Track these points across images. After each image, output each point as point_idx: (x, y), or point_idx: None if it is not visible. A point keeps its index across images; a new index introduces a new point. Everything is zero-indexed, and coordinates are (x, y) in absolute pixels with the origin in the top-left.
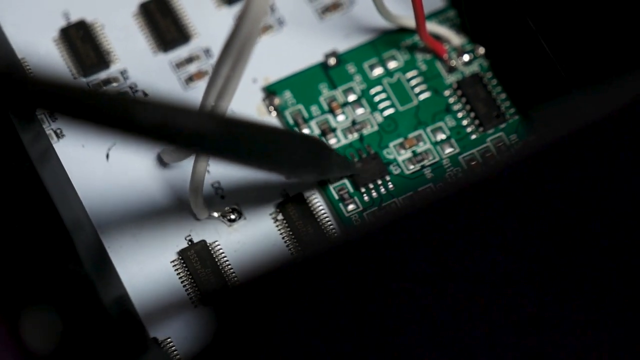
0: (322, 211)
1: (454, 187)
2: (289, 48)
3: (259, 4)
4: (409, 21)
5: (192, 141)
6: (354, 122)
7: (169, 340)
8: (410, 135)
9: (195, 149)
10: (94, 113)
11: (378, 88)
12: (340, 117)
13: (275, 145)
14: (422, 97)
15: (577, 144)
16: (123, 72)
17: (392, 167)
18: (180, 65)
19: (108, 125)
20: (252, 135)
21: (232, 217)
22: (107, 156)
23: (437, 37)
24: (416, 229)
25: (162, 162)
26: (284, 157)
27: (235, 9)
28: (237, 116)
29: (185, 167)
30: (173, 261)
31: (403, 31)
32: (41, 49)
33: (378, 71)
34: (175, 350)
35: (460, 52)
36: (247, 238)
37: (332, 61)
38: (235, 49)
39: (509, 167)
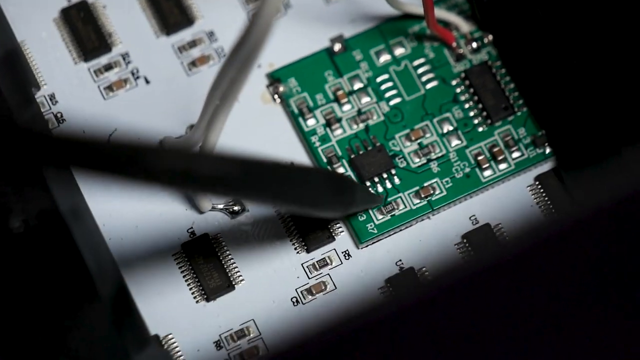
0: None
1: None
2: (294, 32)
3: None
4: (417, 8)
5: (217, 186)
6: (359, 112)
7: (170, 336)
8: (417, 127)
9: (219, 192)
10: (117, 166)
11: (385, 76)
12: (346, 107)
13: (299, 186)
14: (429, 86)
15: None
16: (125, 56)
17: (397, 160)
18: (183, 48)
19: (133, 177)
20: (275, 177)
21: (236, 209)
22: None
23: (446, 24)
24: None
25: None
26: (309, 196)
27: None
28: (260, 157)
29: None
30: (175, 254)
31: (411, 17)
32: (41, 30)
33: (385, 58)
34: (177, 347)
35: (469, 39)
36: (250, 232)
37: (338, 47)
38: (244, 52)
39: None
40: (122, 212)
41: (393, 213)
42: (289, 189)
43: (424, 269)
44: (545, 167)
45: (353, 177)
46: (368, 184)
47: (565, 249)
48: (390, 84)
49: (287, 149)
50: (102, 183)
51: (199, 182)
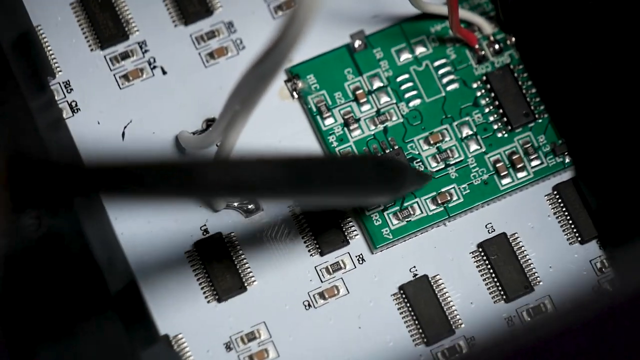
0: None
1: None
2: (314, 26)
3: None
4: (439, 8)
5: (265, 191)
6: (378, 112)
7: (180, 336)
8: (436, 130)
9: (267, 197)
10: (159, 190)
11: (405, 76)
12: (365, 107)
13: (348, 177)
14: (450, 88)
15: None
16: (142, 45)
17: (415, 164)
18: (201, 39)
19: (174, 196)
20: (321, 170)
21: (250, 207)
22: (123, 135)
23: (468, 24)
24: None
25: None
26: (359, 187)
27: None
28: (302, 154)
29: (203, 153)
30: (187, 252)
31: (433, 16)
32: (57, 15)
33: (405, 57)
34: (186, 347)
35: (491, 41)
36: (264, 232)
37: (358, 43)
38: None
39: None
40: (135, 206)
41: (409, 219)
42: (339, 181)
43: (437, 276)
44: (564, 176)
45: None
46: None
47: None
48: (410, 84)
49: (304, 147)
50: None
51: (245, 189)
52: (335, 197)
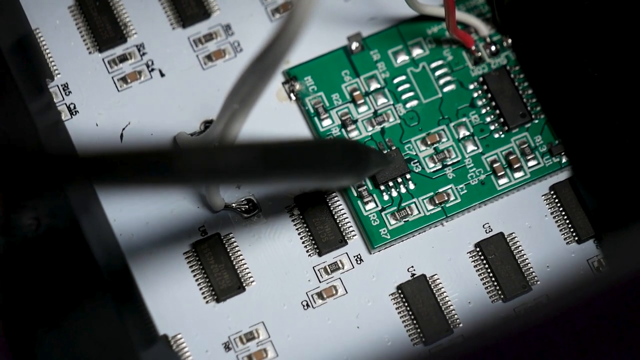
0: (341, 208)
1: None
2: (312, 28)
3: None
4: (436, 10)
5: (239, 175)
6: (375, 113)
7: (179, 336)
8: (433, 131)
9: (242, 180)
10: (143, 176)
11: (402, 77)
12: (362, 108)
13: (319, 160)
14: (447, 89)
15: None
16: (140, 47)
17: (412, 164)
18: (199, 41)
19: (157, 182)
20: (294, 155)
21: (248, 208)
22: (121, 137)
23: (465, 26)
24: None
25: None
26: (329, 168)
27: None
28: (275, 139)
29: None
30: (186, 253)
31: (429, 18)
32: (56, 18)
33: (402, 59)
34: (185, 347)
35: (488, 43)
36: (262, 232)
37: (355, 46)
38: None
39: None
40: (134, 207)
41: (407, 219)
42: (310, 165)
43: (435, 275)
44: (561, 176)
45: (368, 180)
46: (382, 188)
47: None
48: (407, 85)
49: None
50: (125, 193)
51: (223, 174)
52: (304, 179)
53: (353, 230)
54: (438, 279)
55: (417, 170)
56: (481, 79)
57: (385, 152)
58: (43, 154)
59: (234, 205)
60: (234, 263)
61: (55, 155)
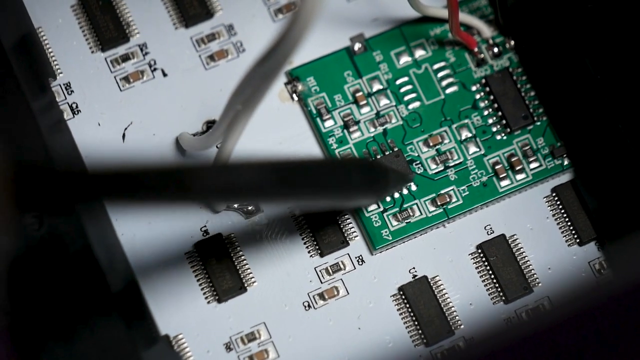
0: None
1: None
2: (314, 29)
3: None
4: (438, 11)
5: (255, 195)
6: (378, 115)
7: (180, 336)
8: (435, 132)
9: (258, 200)
10: (158, 195)
11: (404, 79)
12: (365, 109)
13: (334, 180)
14: (449, 90)
15: None
16: (142, 47)
17: (415, 166)
18: (201, 41)
19: (172, 201)
20: (312, 175)
21: (250, 208)
22: (124, 136)
23: (467, 28)
24: None
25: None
26: (345, 189)
27: None
28: (291, 158)
29: (203, 154)
30: (188, 253)
31: (432, 19)
32: (58, 17)
33: (405, 60)
34: (186, 347)
35: (490, 44)
36: (264, 233)
37: (358, 46)
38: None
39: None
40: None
41: (408, 220)
42: (325, 186)
43: (437, 277)
44: (563, 178)
45: None
46: None
47: None
48: (409, 86)
49: (303, 149)
50: (137, 211)
51: (239, 194)
52: (323, 199)
53: (355, 231)
54: (439, 280)
55: (419, 172)
56: (484, 80)
57: (402, 172)
58: (54, 170)
59: (236, 205)
60: (236, 263)
61: (66, 172)
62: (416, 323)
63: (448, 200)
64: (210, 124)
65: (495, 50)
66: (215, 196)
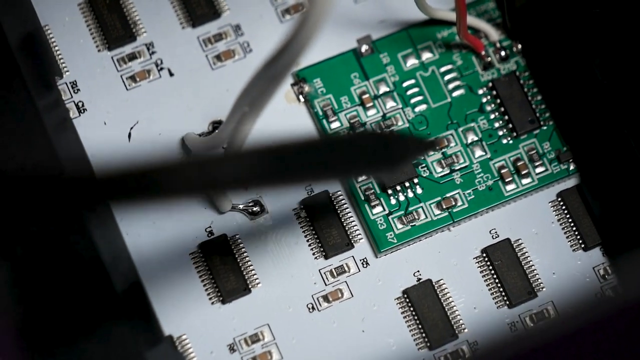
0: (348, 211)
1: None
2: (322, 30)
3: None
4: (446, 14)
5: (268, 184)
6: (384, 117)
7: (184, 337)
8: (441, 135)
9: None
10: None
11: (411, 81)
12: (371, 111)
13: (348, 156)
14: (456, 94)
15: None
16: (149, 46)
17: (420, 169)
18: (208, 41)
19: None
20: (320, 154)
21: (255, 209)
22: (129, 136)
23: (475, 31)
24: None
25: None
26: (361, 163)
27: None
28: (300, 137)
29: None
30: (192, 254)
31: (440, 22)
32: (65, 15)
33: (412, 62)
34: (190, 348)
35: (498, 48)
36: (269, 234)
37: (365, 48)
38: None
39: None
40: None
41: (413, 223)
42: (340, 162)
43: (441, 280)
44: (569, 183)
45: (375, 184)
46: (390, 191)
47: None
48: (416, 89)
49: None
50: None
51: (247, 183)
52: (340, 176)
53: (360, 234)
54: (444, 283)
55: (424, 175)
56: (490, 84)
57: (422, 138)
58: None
59: (241, 206)
60: (240, 264)
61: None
62: (420, 326)
63: (453, 203)
64: (216, 125)
65: (503, 53)
66: (218, 187)
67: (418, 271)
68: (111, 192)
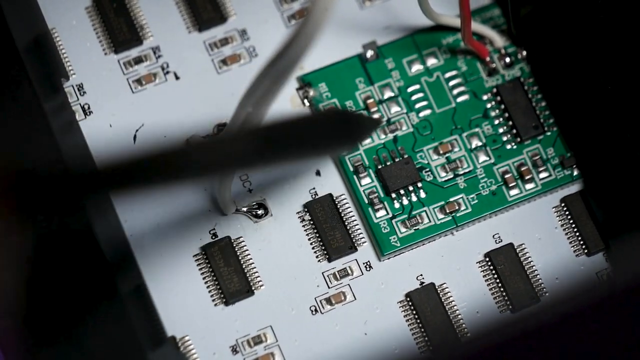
0: (351, 215)
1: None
2: (327, 35)
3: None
4: (451, 20)
5: (244, 163)
6: (388, 122)
7: (186, 338)
8: (445, 140)
9: (247, 168)
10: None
11: (416, 86)
12: (375, 116)
13: (314, 134)
14: (460, 99)
15: None
16: (155, 50)
17: (424, 173)
18: (214, 46)
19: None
20: (293, 135)
21: (259, 212)
22: (135, 138)
23: (480, 37)
24: None
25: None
26: (325, 140)
27: None
28: (268, 122)
29: None
30: (196, 255)
31: (445, 28)
32: (72, 18)
33: (417, 68)
34: (192, 349)
35: (502, 54)
36: (273, 237)
37: (370, 54)
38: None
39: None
40: (145, 209)
41: (417, 227)
42: (306, 141)
43: (444, 284)
44: (572, 189)
45: (379, 187)
46: (394, 195)
47: None
48: (421, 94)
49: None
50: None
51: (222, 168)
52: (305, 156)
53: (363, 237)
54: (447, 287)
55: (428, 179)
56: (495, 90)
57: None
58: (63, 173)
59: (245, 209)
60: (244, 266)
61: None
62: (422, 330)
63: (457, 208)
64: (221, 127)
65: (507, 60)
66: (200, 172)
67: (421, 275)
68: (113, 178)
